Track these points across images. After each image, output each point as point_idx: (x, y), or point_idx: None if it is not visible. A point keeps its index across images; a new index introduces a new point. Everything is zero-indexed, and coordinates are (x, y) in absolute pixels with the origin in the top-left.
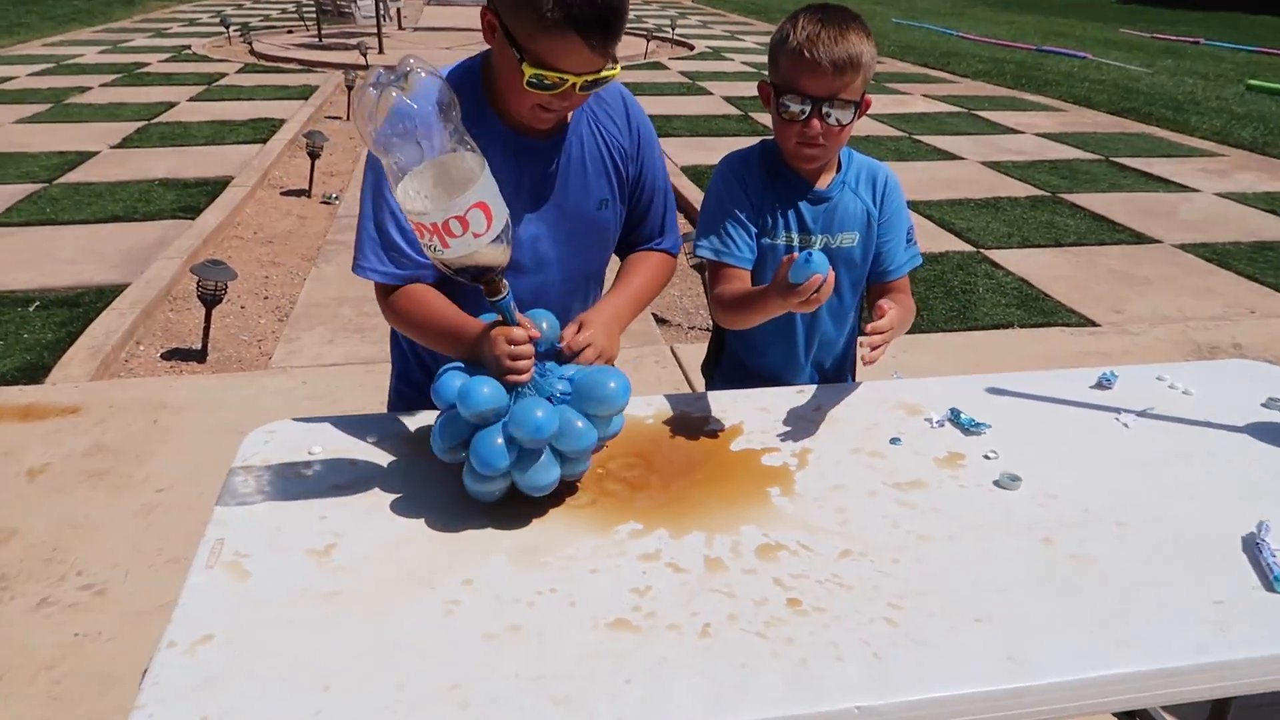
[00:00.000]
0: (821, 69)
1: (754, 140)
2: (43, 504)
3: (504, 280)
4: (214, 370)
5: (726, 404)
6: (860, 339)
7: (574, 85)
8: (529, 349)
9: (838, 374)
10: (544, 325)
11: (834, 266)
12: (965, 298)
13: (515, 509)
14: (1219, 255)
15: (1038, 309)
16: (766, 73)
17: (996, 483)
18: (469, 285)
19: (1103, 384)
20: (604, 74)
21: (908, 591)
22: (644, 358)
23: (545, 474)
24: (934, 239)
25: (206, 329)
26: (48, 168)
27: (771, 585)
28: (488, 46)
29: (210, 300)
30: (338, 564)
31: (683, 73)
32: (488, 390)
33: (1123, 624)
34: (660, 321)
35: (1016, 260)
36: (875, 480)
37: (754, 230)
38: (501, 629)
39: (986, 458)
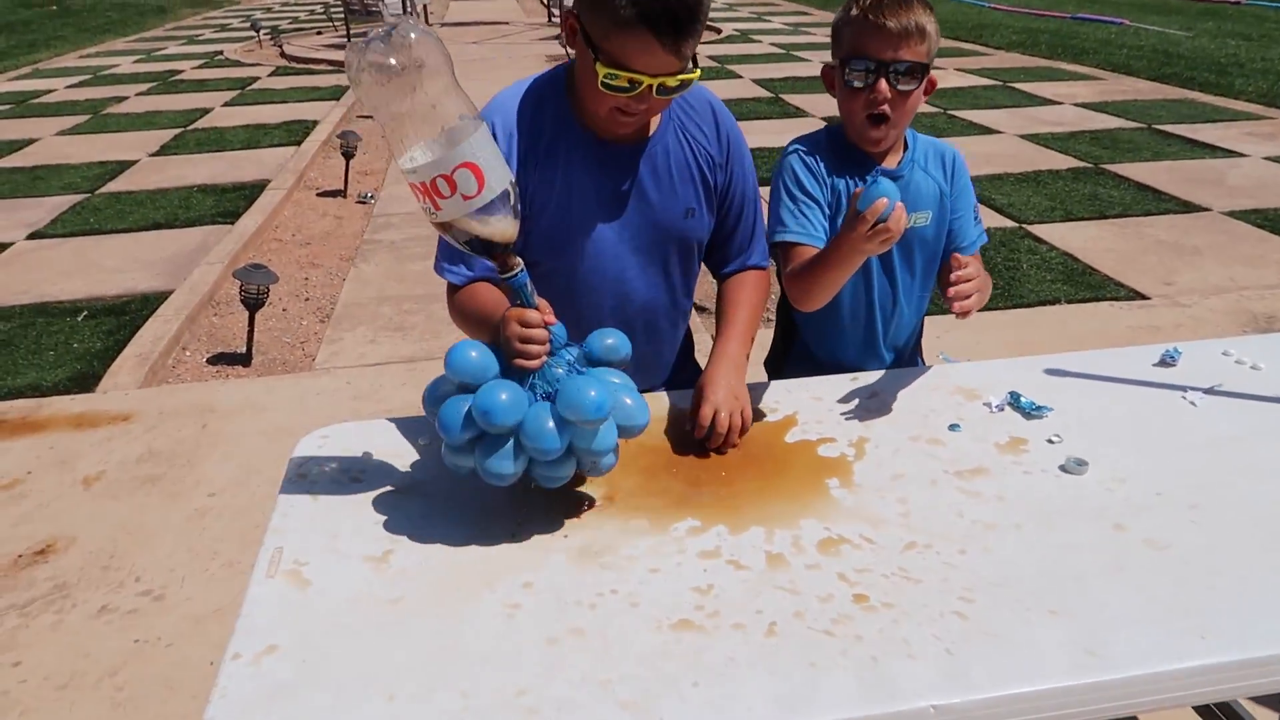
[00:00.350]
0: (886, 31)
1: (785, 122)
2: (99, 511)
3: (516, 257)
4: (259, 373)
5: (779, 394)
6: (949, 290)
7: (650, 87)
8: (541, 334)
9: (911, 358)
10: (609, 340)
11: (909, 247)
12: (1009, 275)
13: (570, 509)
14: (1271, 221)
15: (1085, 283)
16: (802, 54)
17: (1062, 468)
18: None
19: (1166, 361)
20: (681, 76)
21: (977, 583)
22: None
23: (500, 463)
24: None
25: (250, 333)
26: (89, 178)
27: (836, 581)
28: (516, 38)
29: (253, 304)
30: (397, 569)
31: (711, 57)
32: (475, 355)
33: (1204, 612)
34: (701, 310)
35: (1060, 234)
36: (936, 469)
37: (827, 211)
38: (564, 632)
39: (1050, 442)
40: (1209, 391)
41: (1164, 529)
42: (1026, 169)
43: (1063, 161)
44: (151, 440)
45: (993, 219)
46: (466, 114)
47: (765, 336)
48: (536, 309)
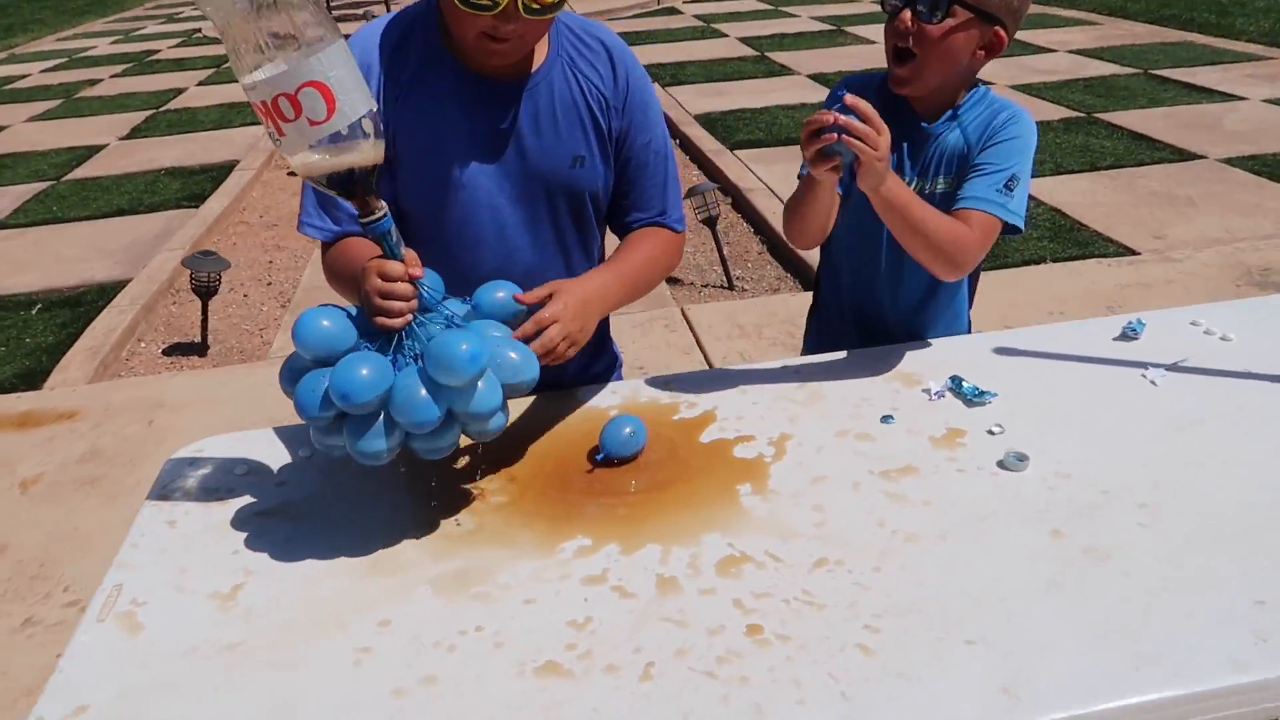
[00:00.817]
0: None
1: (770, 81)
2: (33, 516)
3: (379, 200)
4: (215, 363)
5: (700, 386)
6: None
7: (515, 3)
8: (404, 288)
9: (932, 325)
10: (499, 294)
11: None
12: None
13: (447, 519)
14: (1269, 167)
15: (1072, 240)
16: (790, 10)
17: (1000, 464)
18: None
19: (1127, 334)
20: None
21: (888, 608)
22: (652, 321)
23: (372, 442)
24: None
25: (204, 321)
26: (56, 165)
27: (730, 609)
28: None
29: (204, 292)
30: (243, 608)
31: (697, 16)
32: (328, 324)
33: (1143, 637)
34: (670, 280)
35: (1049, 189)
36: (861, 469)
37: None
38: (415, 682)
39: (990, 433)
40: (1171, 368)
41: (1107, 534)
42: None
43: (1054, 112)
44: (96, 438)
45: None
46: (320, 27)
47: (714, 308)
48: (402, 260)
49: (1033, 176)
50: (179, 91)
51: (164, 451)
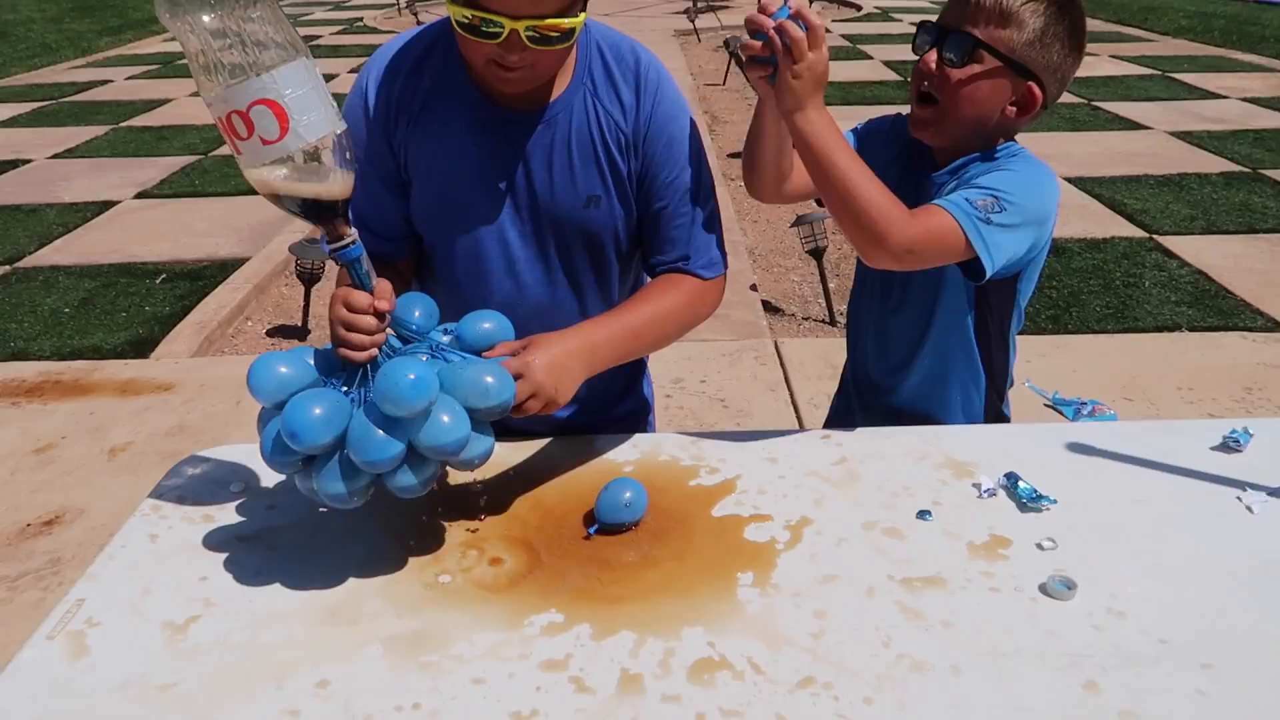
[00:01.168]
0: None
1: (908, 108)
2: (114, 484)
3: (349, 227)
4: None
5: (727, 451)
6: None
7: (516, 33)
8: (368, 321)
9: (927, 400)
10: (485, 325)
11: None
12: (1127, 293)
13: (421, 563)
14: None
15: (1214, 309)
16: None
17: (1043, 588)
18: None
19: (1229, 445)
20: (554, 21)
21: None
22: (742, 352)
23: (330, 484)
24: (1099, 222)
25: (305, 307)
26: (207, 140)
27: None
28: (650, 10)
29: (307, 279)
30: (190, 644)
31: (844, 35)
32: (284, 370)
33: None
34: (770, 310)
35: (1196, 249)
36: (880, 572)
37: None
38: None
39: (1040, 547)
40: (1275, 493)
41: (1154, 697)
42: (1170, 171)
43: (1215, 164)
44: (185, 413)
45: (1119, 227)
46: (279, 42)
47: (812, 343)
48: (372, 291)
49: (1179, 234)
50: (330, 78)
51: (243, 434)
